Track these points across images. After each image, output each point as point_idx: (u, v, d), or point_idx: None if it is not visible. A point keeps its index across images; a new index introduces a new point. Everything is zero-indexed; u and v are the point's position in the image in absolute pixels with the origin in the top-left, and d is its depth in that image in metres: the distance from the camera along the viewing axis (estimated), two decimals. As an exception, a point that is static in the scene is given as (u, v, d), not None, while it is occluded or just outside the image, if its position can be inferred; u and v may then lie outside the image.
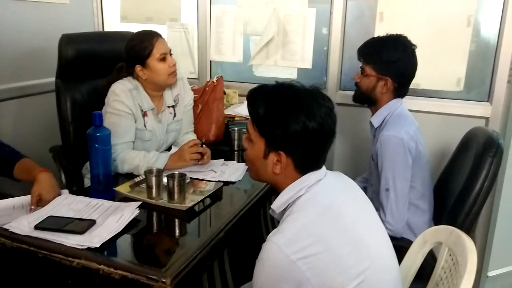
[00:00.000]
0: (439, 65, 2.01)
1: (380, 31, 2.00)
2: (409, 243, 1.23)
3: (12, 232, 1.14)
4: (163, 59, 1.66)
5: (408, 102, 1.70)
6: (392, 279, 0.98)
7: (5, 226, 1.16)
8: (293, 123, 0.93)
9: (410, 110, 1.67)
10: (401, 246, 1.24)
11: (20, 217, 1.21)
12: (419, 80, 1.98)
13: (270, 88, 1.00)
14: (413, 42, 1.59)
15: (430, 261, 1.20)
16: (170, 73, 1.68)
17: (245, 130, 1.90)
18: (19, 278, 1.17)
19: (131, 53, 1.67)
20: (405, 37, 1.58)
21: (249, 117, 1.02)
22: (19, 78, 2.16)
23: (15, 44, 2.12)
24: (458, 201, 1.45)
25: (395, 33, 1.60)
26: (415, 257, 1.17)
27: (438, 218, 1.60)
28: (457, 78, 2.01)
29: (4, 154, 1.49)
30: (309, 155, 0.98)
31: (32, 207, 1.28)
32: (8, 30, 2.07)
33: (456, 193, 1.48)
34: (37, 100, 2.22)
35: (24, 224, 1.16)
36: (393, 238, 1.45)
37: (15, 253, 1.12)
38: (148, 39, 1.65)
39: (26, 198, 1.34)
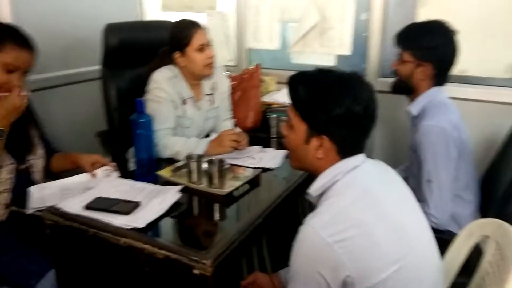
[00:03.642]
0: (487, 51, 1.92)
1: (423, 15, 1.93)
2: (453, 236, 1.19)
3: (64, 211, 1.21)
4: (201, 49, 1.69)
5: (453, 90, 1.64)
6: (433, 271, 0.97)
7: (58, 205, 1.24)
8: (337, 106, 0.93)
9: (455, 98, 1.61)
10: (445, 239, 1.20)
11: (71, 197, 1.29)
12: (466, 66, 1.90)
13: (310, 73, 1.00)
14: (459, 26, 1.52)
15: (476, 255, 1.16)
16: (206, 64, 1.70)
17: (282, 117, 1.92)
18: (71, 254, 1.24)
19: (172, 39, 1.72)
20: (444, 22, 1.52)
21: (288, 103, 1.02)
22: (67, 66, 2.26)
23: (63, 34, 2.22)
24: (507, 193, 1.39)
25: (434, 19, 1.54)
26: (459, 250, 1.13)
27: (485, 210, 1.54)
28: (506, 65, 1.91)
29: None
30: (352, 139, 0.98)
31: (93, 172, 1.44)
32: (56, 21, 2.17)
33: (506, 185, 1.41)
34: (84, 87, 2.32)
35: (75, 204, 1.23)
36: (437, 231, 1.42)
37: (67, 230, 1.20)
38: (190, 27, 1.68)
39: (74, 179, 1.43)
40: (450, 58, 1.53)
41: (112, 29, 1.92)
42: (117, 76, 1.93)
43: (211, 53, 1.71)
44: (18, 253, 1.33)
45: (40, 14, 2.07)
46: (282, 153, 1.67)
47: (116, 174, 1.47)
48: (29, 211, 1.29)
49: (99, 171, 1.45)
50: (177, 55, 1.71)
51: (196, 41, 1.68)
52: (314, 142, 0.98)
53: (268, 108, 2.11)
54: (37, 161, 1.48)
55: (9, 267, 1.30)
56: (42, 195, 1.34)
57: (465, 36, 1.53)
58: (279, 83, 2.33)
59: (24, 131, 1.47)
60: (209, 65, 1.72)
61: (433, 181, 1.44)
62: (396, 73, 1.61)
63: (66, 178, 1.44)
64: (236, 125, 1.74)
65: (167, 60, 1.75)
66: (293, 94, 1.00)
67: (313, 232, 0.87)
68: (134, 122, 1.43)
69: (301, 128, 0.99)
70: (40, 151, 1.51)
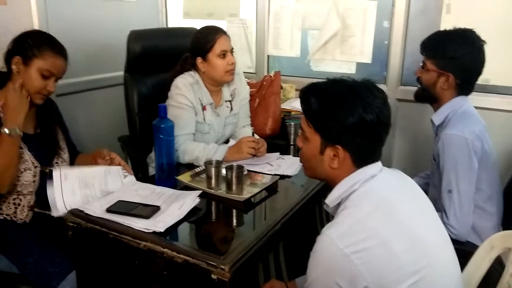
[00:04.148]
0: (511, 60, 1.88)
1: (446, 24, 1.91)
2: (474, 247, 1.17)
3: (87, 214, 1.24)
4: (223, 55, 1.71)
5: (476, 99, 1.61)
6: (452, 283, 0.95)
7: (81, 208, 1.27)
8: (350, 115, 0.93)
9: (478, 108, 1.58)
10: (465, 251, 1.18)
11: (93, 201, 1.32)
12: (489, 76, 1.86)
13: (322, 84, 1.01)
14: (483, 35, 1.49)
15: (497, 267, 1.13)
16: (227, 70, 1.73)
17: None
18: (91, 256, 1.27)
19: (194, 45, 1.74)
20: (473, 32, 1.49)
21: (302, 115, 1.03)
22: (91, 72, 2.32)
23: (88, 40, 2.28)
24: (530, 206, 1.36)
25: (462, 27, 1.51)
26: (480, 262, 1.11)
27: (507, 222, 1.50)
28: (533, 74, 1.87)
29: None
30: (367, 147, 0.97)
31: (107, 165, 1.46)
32: (82, 28, 2.23)
33: (529, 197, 1.38)
34: (107, 92, 2.38)
35: (96, 207, 1.26)
36: (457, 242, 1.40)
37: (88, 233, 1.23)
38: (212, 33, 1.71)
39: (90, 170, 1.43)
40: (474, 69, 1.49)
41: (135, 36, 1.96)
42: (139, 82, 1.97)
43: (232, 60, 1.73)
44: (41, 255, 1.36)
45: (66, 21, 2.13)
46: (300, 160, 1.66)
47: (131, 177, 1.47)
48: (54, 214, 1.32)
49: (114, 168, 1.46)
50: (198, 60, 1.73)
51: (218, 47, 1.70)
52: (329, 152, 0.98)
53: (286, 115, 2.12)
54: (62, 164, 1.52)
55: (33, 269, 1.34)
56: (65, 202, 1.36)
57: (489, 44, 1.50)
58: (298, 90, 2.33)
59: (51, 135, 1.52)
60: (230, 72, 1.74)
61: (453, 192, 1.42)
62: (419, 80, 1.60)
63: (83, 167, 1.44)
64: (253, 132, 1.75)
65: (188, 66, 1.78)
66: (305, 106, 1.01)
67: (331, 243, 0.87)
68: (156, 127, 1.46)
69: (315, 139, 0.99)
70: (65, 155, 1.55)
